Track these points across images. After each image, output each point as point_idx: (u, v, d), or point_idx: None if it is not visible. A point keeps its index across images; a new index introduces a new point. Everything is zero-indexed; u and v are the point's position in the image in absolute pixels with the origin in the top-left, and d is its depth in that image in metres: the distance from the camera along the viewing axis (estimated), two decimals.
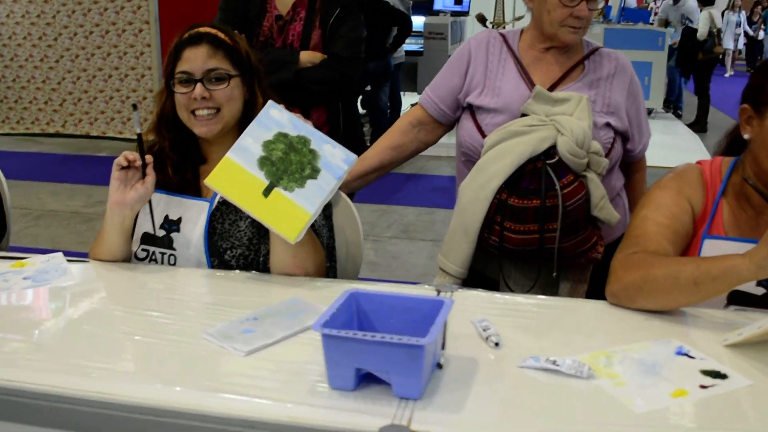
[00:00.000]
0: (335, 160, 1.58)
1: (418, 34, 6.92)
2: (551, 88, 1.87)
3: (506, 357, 1.26)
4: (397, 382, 1.10)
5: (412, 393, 1.10)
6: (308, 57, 2.36)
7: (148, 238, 1.71)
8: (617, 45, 6.40)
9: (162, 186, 1.72)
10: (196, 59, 1.66)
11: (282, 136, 1.59)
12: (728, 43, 11.94)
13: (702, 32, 8.41)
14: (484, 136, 1.87)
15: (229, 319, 1.37)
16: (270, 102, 1.62)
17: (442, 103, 2.00)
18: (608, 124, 1.87)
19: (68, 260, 1.70)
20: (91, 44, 7.30)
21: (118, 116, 7.44)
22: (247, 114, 1.71)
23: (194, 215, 1.70)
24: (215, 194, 1.69)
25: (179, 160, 1.75)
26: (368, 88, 6.58)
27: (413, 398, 1.10)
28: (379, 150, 2.06)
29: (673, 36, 8.54)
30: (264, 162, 1.58)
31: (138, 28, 7.14)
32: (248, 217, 1.64)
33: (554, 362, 1.21)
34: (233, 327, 1.34)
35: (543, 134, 1.76)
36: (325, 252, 1.69)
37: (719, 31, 8.51)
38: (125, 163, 1.62)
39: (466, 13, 7.55)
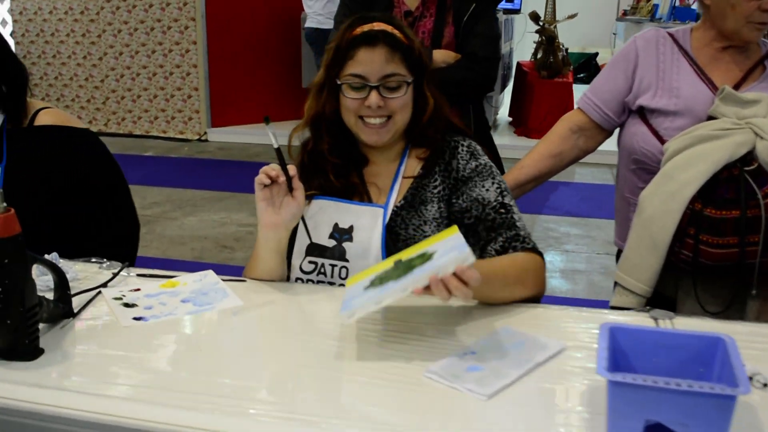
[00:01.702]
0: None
1: None
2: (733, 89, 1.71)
3: None
4: None
5: None
6: (442, 56, 2.19)
7: (315, 249, 1.55)
8: None
9: (325, 191, 1.57)
10: (372, 62, 1.50)
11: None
12: None
13: None
14: (662, 141, 1.72)
15: (446, 355, 1.21)
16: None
17: (605, 107, 1.85)
18: None
19: (222, 279, 1.56)
20: (135, 41, 7.16)
21: (162, 115, 7.30)
22: (416, 117, 1.57)
23: (368, 222, 1.54)
24: (389, 198, 1.56)
25: (341, 164, 1.59)
26: None
27: None
28: (537, 158, 1.90)
29: None
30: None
31: (184, 25, 6.99)
32: (432, 220, 1.53)
33: None
34: (456, 364, 1.18)
35: (740, 138, 1.60)
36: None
37: None
38: (268, 181, 1.44)
39: (518, 11, 7.37)
